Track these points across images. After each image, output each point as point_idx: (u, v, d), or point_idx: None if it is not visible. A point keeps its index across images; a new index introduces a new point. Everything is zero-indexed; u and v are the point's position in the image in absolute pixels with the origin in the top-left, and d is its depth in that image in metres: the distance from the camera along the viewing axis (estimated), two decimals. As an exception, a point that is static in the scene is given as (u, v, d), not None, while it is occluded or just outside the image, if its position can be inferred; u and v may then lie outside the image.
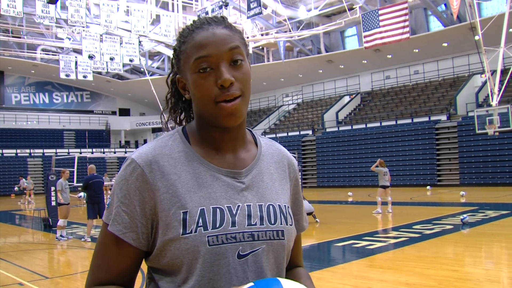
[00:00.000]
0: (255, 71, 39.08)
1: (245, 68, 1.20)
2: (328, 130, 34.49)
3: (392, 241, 10.04)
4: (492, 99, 20.53)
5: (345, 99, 37.46)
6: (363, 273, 7.49)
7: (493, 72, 22.18)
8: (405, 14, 21.99)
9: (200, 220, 1.14)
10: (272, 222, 1.21)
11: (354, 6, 25.47)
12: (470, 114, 26.14)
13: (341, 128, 33.77)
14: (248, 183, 1.23)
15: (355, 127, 33.01)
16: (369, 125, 31.97)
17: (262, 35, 32.26)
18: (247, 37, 29.63)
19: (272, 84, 42.06)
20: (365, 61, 35.12)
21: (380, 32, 22.64)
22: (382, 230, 11.94)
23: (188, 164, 1.20)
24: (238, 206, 1.18)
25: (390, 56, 33.57)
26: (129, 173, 1.17)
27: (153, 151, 1.20)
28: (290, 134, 37.19)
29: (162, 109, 1.38)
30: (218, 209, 1.16)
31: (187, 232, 1.13)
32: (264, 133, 38.28)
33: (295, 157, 1.33)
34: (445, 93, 31.55)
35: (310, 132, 35.41)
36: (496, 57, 20.24)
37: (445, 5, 30.62)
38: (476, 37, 20.29)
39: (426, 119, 29.43)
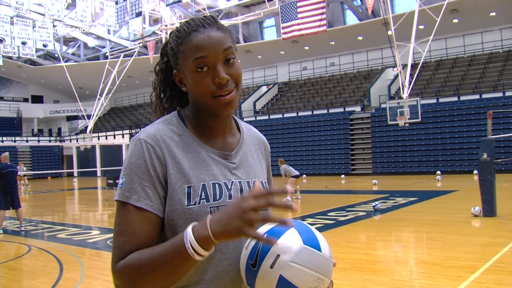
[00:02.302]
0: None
1: (237, 64, 1.39)
2: (245, 119, 34.69)
3: (308, 227, 10.31)
4: (403, 91, 21.47)
5: (263, 89, 37.84)
6: (280, 258, 7.65)
7: (404, 66, 23.16)
8: (323, 7, 22.46)
9: (203, 193, 1.32)
10: None
11: (273, -3, 25.71)
12: (383, 105, 27.15)
13: (258, 118, 34.12)
14: (237, 163, 1.45)
15: (272, 117, 33.45)
16: (286, 115, 32.50)
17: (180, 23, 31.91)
18: (166, 25, 29.28)
19: (190, 72, 41.68)
20: (283, 52, 35.61)
21: (298, 24, 23.01)
22: (299, 217, 12.24)
23: (188, 145, 1.38)
24: (232, 182, 1.40)
25: (307, 48, 34.23)
26: (143, 152, 1.32)
27: (158, 132, 1.36)
28: (208, 123, 37.04)
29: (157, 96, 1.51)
30: (217, 184, 1.36)
31: (191, 203, 1.31)
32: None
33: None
34: (359, 85, 32.59)
35: (228, 121, 35.34)
36: (407, 51, 21.16)
37: (360, 0, 31.62)
38: (389, 32, 21.15)
39: (341, 110, 30.30)
